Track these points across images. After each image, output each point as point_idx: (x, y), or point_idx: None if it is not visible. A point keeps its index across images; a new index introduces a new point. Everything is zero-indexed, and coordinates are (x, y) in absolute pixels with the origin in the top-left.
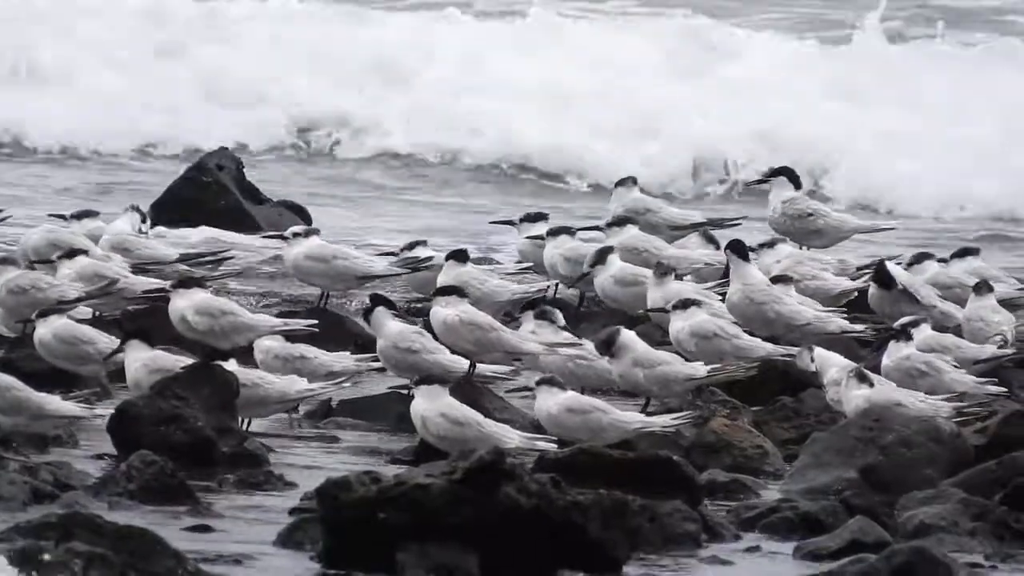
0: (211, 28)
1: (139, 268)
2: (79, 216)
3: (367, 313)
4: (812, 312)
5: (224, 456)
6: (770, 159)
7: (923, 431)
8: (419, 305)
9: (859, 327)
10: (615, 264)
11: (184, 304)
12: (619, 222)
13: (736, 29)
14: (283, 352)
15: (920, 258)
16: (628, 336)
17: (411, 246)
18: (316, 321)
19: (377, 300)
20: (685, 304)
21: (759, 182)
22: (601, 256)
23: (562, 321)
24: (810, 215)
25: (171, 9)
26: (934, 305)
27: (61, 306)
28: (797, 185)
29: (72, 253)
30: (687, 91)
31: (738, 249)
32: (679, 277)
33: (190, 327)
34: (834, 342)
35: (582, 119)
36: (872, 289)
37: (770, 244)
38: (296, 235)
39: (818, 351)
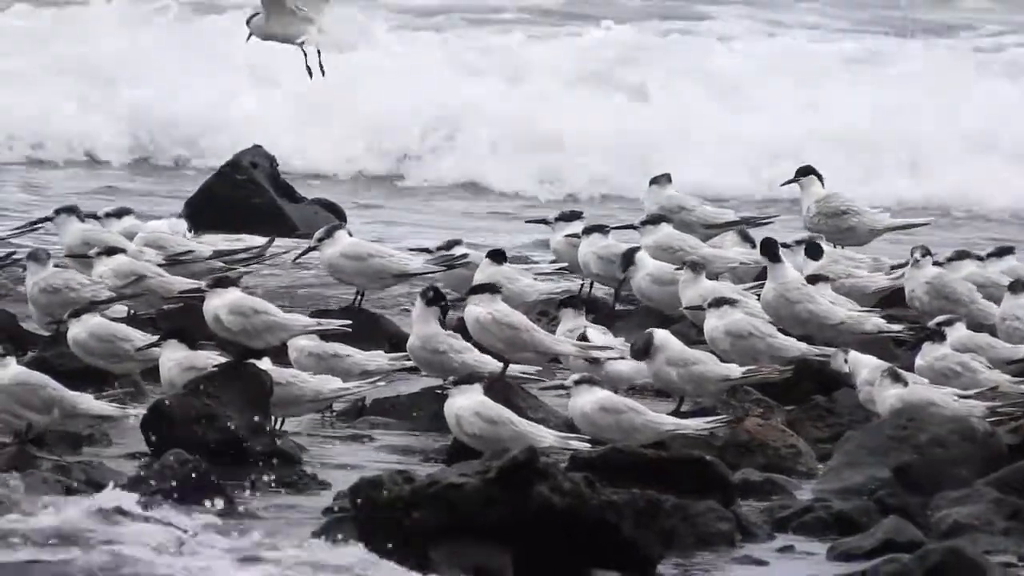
0: None
1: (172, 259)
2: (115, 215)
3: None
4: (845, 311)
5: (257, 455)
6: None
7: (957, 430)
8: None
9: (896, 326)
10: (651, 263)
11: (218, 303)
12: (653, 220)
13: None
14: (317, 351)
15: (959, 256)
16: (662, 336)
17: (447, 245)
18: (350, 321)
19: (431, 295)
20: (720, 303)
21: (789, 182)
22: (629, 259)
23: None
24: (844, 212)
25: None
26: (973, 301)
27: (94, 306)
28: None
29: (111, 251)
30: None
31: (770, 248)
32: (714, 277)
33: (223, 326)
34: (870, 342)
35: None
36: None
37: (807, 244)
38: (321, 239)
39: (852, 354)
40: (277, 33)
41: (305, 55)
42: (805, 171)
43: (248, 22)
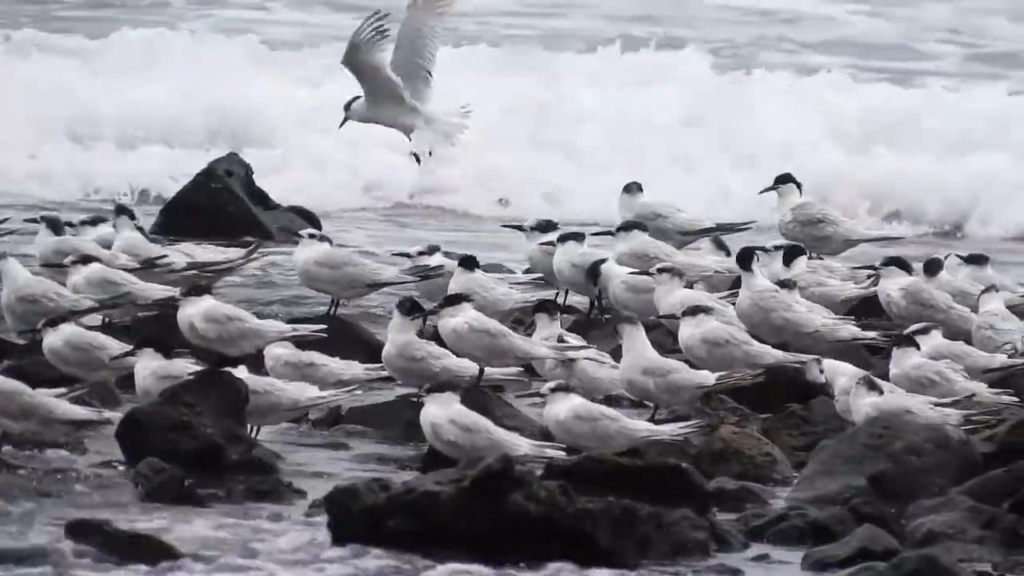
0: None
1: (148, 263)
2: (91, 223)
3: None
4: (820, 319)
5: (233, 463)
6: None
7: (932, 439)
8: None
9: (870, 333)
10: (622, 271)
11: (192, 311)
12: (627, 227)
13: None
14: (293, 359)
15: (932, 264)
16: (635, 333)
17: (424, 252)
18: (325, 326)
19: (408, 305)
20: (695, 311)
21: (768, 189)
22: (595, 271)
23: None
24: (820, 221)
25: None
26: (950, 308)
27: (72, 315)
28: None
29: (85, 259)
30: None
31: (746, 258)
32: (690, 285)
33: (198, 334)
34: (844, 350)
35: None
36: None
37: (786, 250)
38: (311, 236)
39: (827, 362)
40: (385, 120)
41: (410, 141)
42: (784, 179)
43: (347, 107)
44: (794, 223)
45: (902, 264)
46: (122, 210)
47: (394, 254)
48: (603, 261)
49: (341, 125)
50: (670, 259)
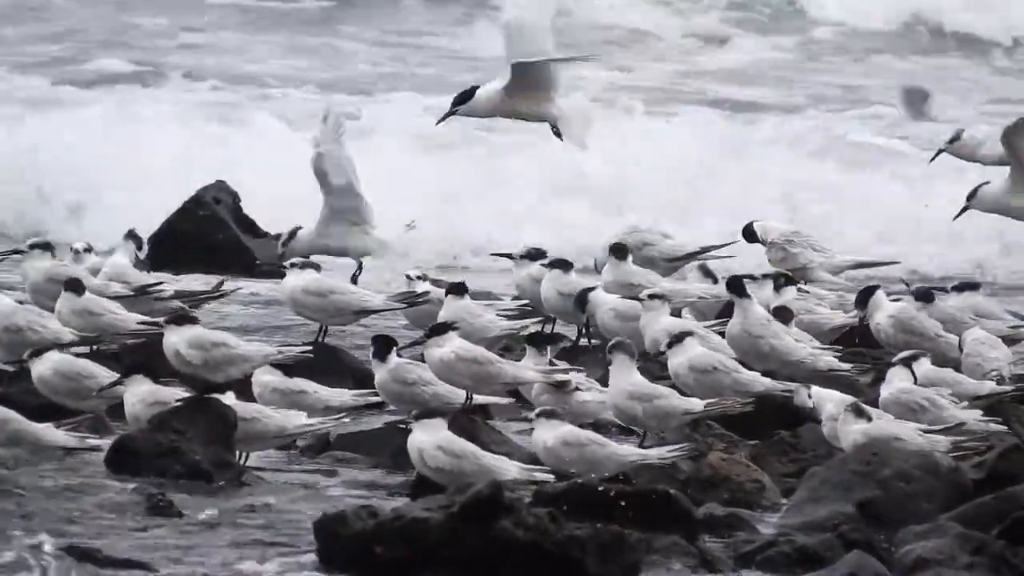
0: None
1: (140, 291)
2: (87, 250)
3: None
4: (807, 349)
5: (221, 489)
6: None
7: (921, 465)
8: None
9: (846, 365)
10: (610, 299)
11: (177, 339)
12: (616, 254)
13: None
14: (281, 386)
15: (923, 293)
16: (624, 359)
17: (421, 277)
18: (311, 347)
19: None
20: (681, 337)
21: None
22: (583, 300)
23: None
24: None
25: None
26: (939, 336)
27: (58, 348)
28: None
29: (73, 285)
30: None
31: (737, 285)
32: (677, 312)
33: (184, 361)
34: (831, 379)
35: None
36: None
37: (775, 277)
38: (294, 266)
39: (815, 389)
40: (525, 112)
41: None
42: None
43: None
44: (776, 249)
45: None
46: (131, 236)
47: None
48: (591, 289)
49: (442, 121)
50: (655, 287)
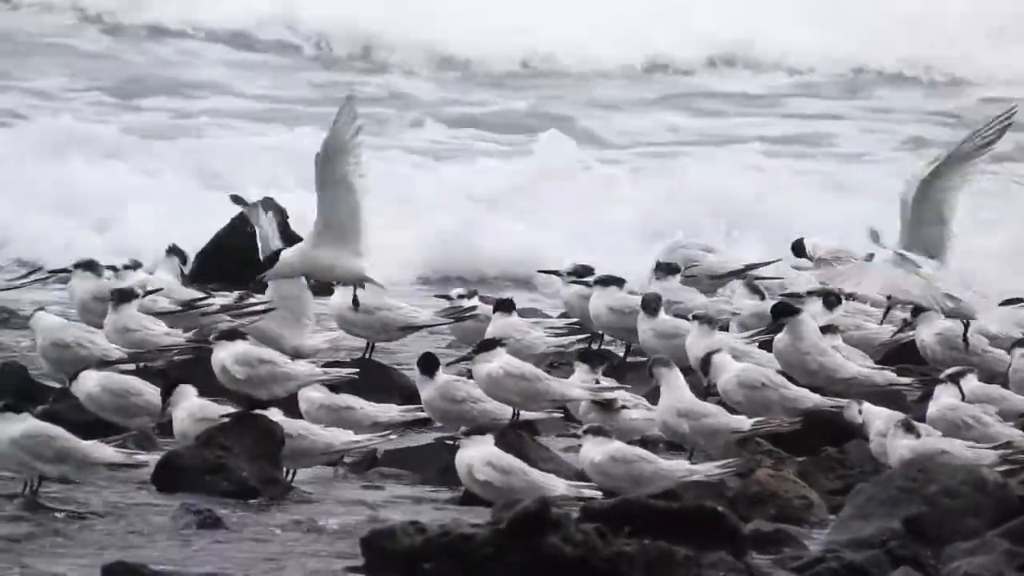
0: None
1: (187, 305)
2: (132, 267)
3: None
4: (856, 366)
5: (269, 506)
6: None
7: (967, 481)
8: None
9: (905, 380)
10: (657, 317)
11: (224, 355)
12: (664, 271)
13: None
14: (328, 403)
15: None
16: (671, 375)
17: (464, 296)
18: (357, 369)
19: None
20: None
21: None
22: (651, 307)
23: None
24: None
25: None
26: (986, 351)
27: (103, 366)
28: None
29: (124, 296)
30: None
31: (784, 309)
32: (724, 328)
33: (230, 377)
34: (881, 394)
35: None
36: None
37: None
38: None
39: (866, 405)
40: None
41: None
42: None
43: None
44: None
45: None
46: (173, 251)
47: (436, 296)
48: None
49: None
50: (692, 303)
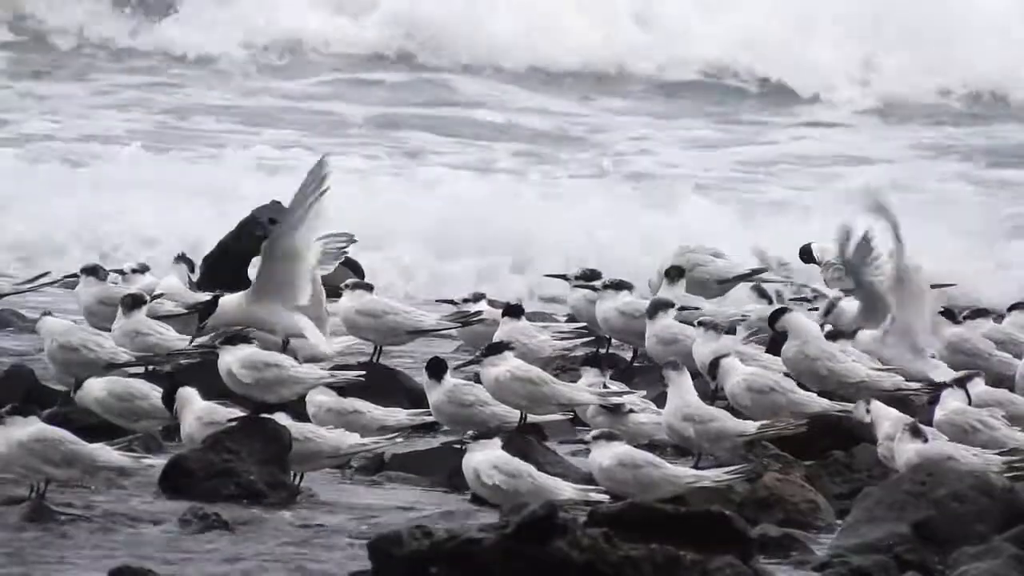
0: None
1: (193, 308)
2: (139, 271)
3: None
4: (865, 370)
5: (275, 509)
6: None
7: (975, 485)
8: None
9: (914, 384)
10: (661, 321)
11: (231, 359)
12: (674, 275)
13: None
14: (336, 406)
15: (976, 314)
16: (679, 379)
17: (469, 300)
18: (364, 372)
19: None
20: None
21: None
22: (656, 309)
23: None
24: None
25: None
26: (992, 355)
27: (110, 368)
28: None
29: (134, 301)
30: None
31: (776, 314)
32: (731, 330)
33: (237, 381)
34: (889, 399)
35: None
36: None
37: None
38: (348, 287)
39: (874, 404)
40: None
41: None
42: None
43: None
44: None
45: (947, 313)
46: (182, 258)
47: (438, 301)
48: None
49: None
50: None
